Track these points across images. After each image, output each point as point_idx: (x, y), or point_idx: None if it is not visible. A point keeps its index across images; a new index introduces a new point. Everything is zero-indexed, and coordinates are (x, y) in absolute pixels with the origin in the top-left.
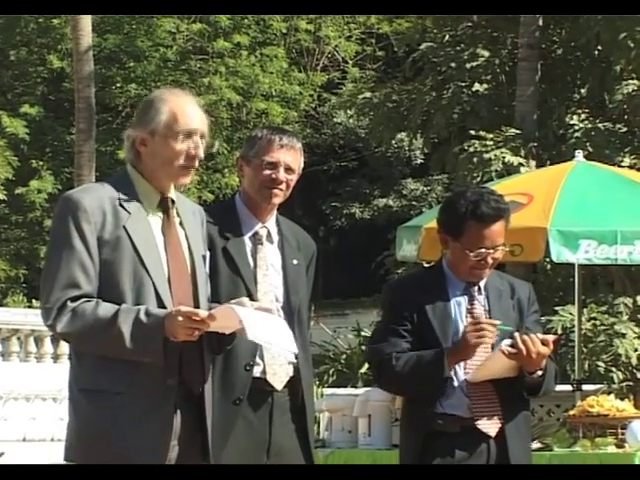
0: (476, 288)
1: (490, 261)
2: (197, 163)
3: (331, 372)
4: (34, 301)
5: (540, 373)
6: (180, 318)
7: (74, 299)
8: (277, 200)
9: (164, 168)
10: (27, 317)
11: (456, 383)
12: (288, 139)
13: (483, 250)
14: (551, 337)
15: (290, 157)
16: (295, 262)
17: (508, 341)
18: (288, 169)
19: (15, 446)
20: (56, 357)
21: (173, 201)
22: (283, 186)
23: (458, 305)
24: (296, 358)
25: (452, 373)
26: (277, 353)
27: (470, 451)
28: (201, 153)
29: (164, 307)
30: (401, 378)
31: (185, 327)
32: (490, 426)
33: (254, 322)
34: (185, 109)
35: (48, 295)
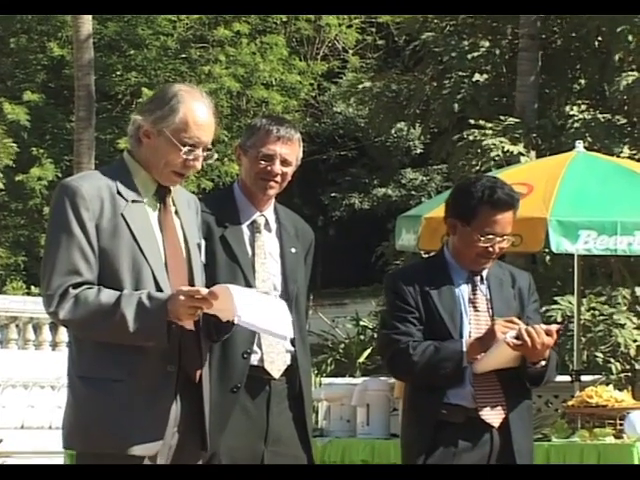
0: (478, 278)
1: (497, 250)
2: (190, 173)
3: (329, 361)
4: (33, 288)
5: (543, 363)
6: (182, 297)
7: (76, 286)
8: (272, 192)
9: (158, 166)
10: (26, 304)
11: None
12: (285, 130)
13: (492, 236)
14: (554, 327)
15: (287, 149)
16: (293, 250)
17: (513, 333)
18: (284, 162)
19: (13, 434)
20: (55, 345)
21: (169, 190)
22: (278, 179)
23: (462, 294)
24: (294, 346)
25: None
26: (273, 340)
27: (474, 441)
28: (199, 166)
29: None
30: (418, 368)
31: (187, 306)
32: (494, 416)
33: (247, 305)
34: (198, 118)
35: (49, 282)
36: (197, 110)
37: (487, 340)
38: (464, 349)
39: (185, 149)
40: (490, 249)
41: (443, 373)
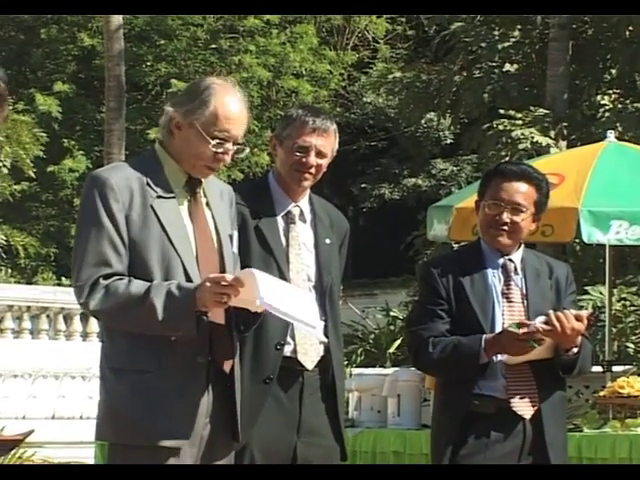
0: (513, 267)
1: (506, 220)
2: (220, 166)
3: (359, 352)
4: (64, 279)
5: (575, 351)
6: (208, 284)
7: (106, 277)
8: (307, 184)
9: (189, 159)
10: (56, 295)
11: (493, 364)
12: (322, 122)
13: (498, 202)
14: (585, 313)
15: (322, 141)
16: (328, 241)
17: (542, 318)
18: (319, 153)
19: (44, 424)
20: (85, 335)
21: (200, 181)
22: (313, 170)
23: (495, 285)
24: (327, 338)
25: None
26: (306, 331)
27: (506, 432)
28: (228, 159)
29: None
30: (437, 364)
31: (214, 293)
32: (526, 408)
33: (271, 290)
34: (229, 112)
35: (79, 273)
36: (228, 104)
37: (503, 340)
38: (482, 347)
39: (214, 142)
40: (497, 218)
41: (459, 372)
